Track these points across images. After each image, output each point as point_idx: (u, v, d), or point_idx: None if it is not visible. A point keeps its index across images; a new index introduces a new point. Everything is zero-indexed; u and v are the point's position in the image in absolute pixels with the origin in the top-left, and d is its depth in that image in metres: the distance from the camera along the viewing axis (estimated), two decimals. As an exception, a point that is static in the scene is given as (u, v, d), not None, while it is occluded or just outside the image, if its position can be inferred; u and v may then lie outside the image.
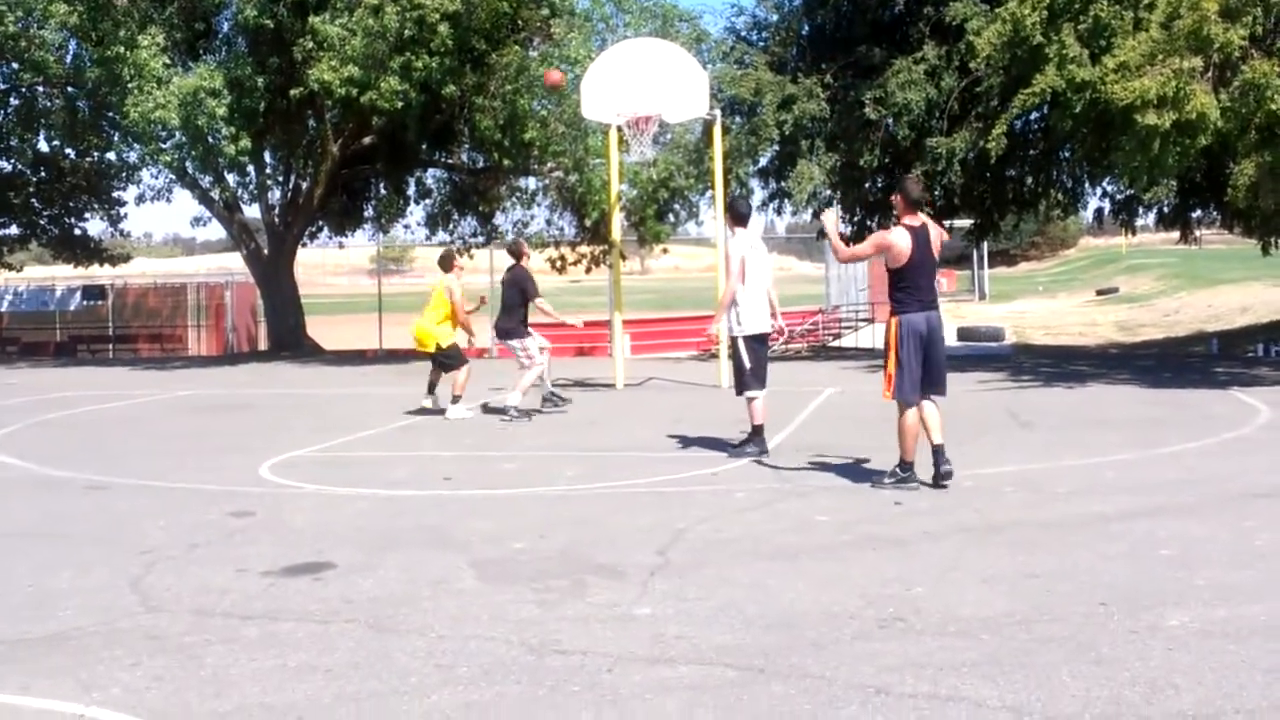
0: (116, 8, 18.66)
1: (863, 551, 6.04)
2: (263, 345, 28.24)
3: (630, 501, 7.53)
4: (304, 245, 25.94)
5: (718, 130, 15.75)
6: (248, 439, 10.91)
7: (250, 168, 21.87)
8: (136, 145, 21.68)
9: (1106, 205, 22.77)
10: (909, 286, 7.55)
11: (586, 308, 22.03)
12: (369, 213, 26.17)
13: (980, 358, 19.68)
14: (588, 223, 21.60)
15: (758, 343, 9.23)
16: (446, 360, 12.35)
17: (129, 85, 18.45)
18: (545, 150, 20.18)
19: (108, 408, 14.14)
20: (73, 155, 26.37)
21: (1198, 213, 22.93)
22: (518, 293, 12.27)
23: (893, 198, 7.87)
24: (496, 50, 18.88)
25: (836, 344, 31.64)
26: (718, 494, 7.66)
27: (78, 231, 28.38)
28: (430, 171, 24.85)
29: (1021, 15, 14.93)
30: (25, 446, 10.62)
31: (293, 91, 18.84)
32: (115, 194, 27.57)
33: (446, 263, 12.62)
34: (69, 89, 23.46)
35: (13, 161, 26.29)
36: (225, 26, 21.38)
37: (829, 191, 21.38)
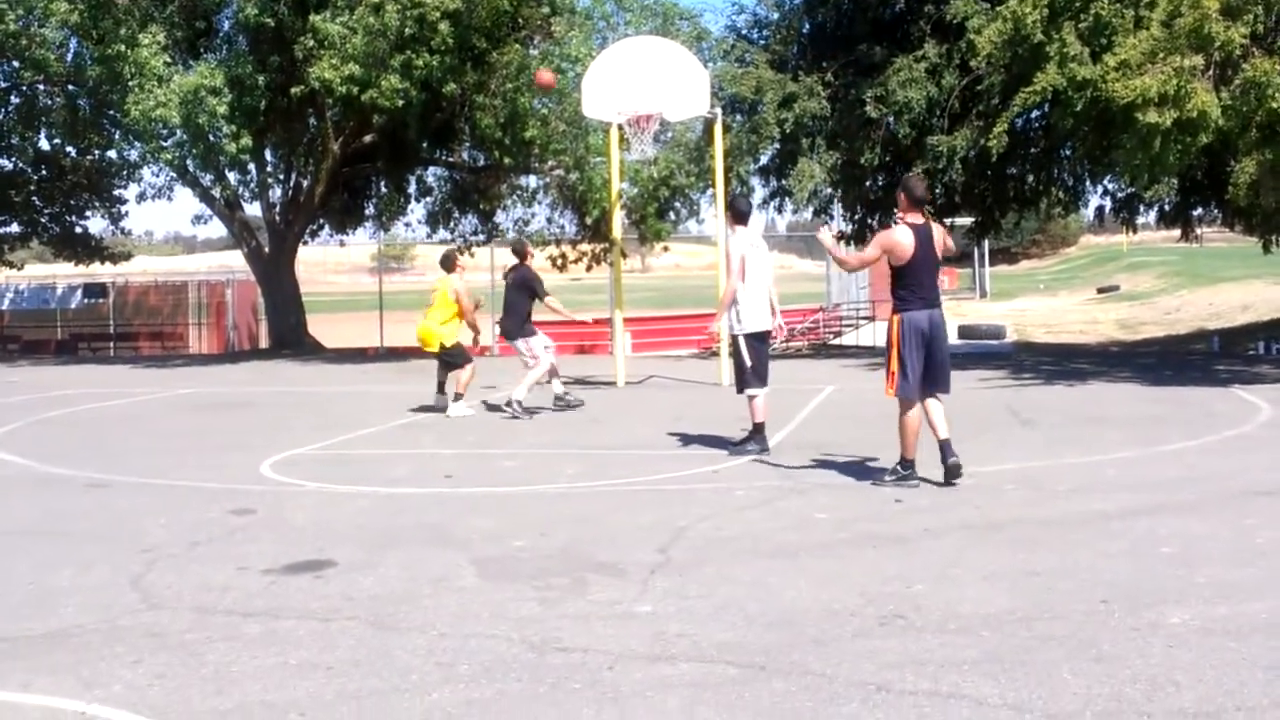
0: (117, 6, 18.66)
1: (863, 549, 6.04)
2: (264, 343, 28.25)
3: (631, 499, 7.53)
4: (305, 243, 25.94)
5: (718, 128, 15.74)
6: (249, 437, 10.91)
7: (251, 166, 21.86)
8: (137, 143, 21.69)
9: (1107, 203, 22.78)
10: (911, 284, 7.55)
11: (587, 306, 22.01)
12: (370, 211, 26.16)
13: (981, 355, 19.68)
14: (588, 221, 21.59)
15: (758, 341, 9.24)
16: (451, 359, 12.38)
17: (130, 83, 18.45)
18: (546, 148, 20.19)
19: (109, 405, 14.15)
20: (74, 153, 26.38)
21: (1199, 211, 22.91)
22: (524, 293, 12.31)
23: (897, 194, 7.88)
24: (497, 48, 18.88)
25: (837, 342, 31.64)
26: (718, 492, 7.66)
27: (79, 229, 28.42)
28: (431, 169, 24.84)
29: (1022, 13, 14.92)
30: (26, 444, 10.62)
31: (293, 90, 18.84)
32: (116, 192, 27.60)
33: (449, 263, 12.63)
34: (70, 87, 23.47)
35: (14, 159, 26.30)
36: (226, 25, 21.37)
37: (830, 190, 21.38)
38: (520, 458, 9.44)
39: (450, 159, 23.70)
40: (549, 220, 23.61)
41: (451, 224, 24.90)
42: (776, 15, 22.13)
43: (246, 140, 18.85)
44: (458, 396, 12.18)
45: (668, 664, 4.31)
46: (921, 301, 7.55)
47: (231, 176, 22.23)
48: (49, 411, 13.43)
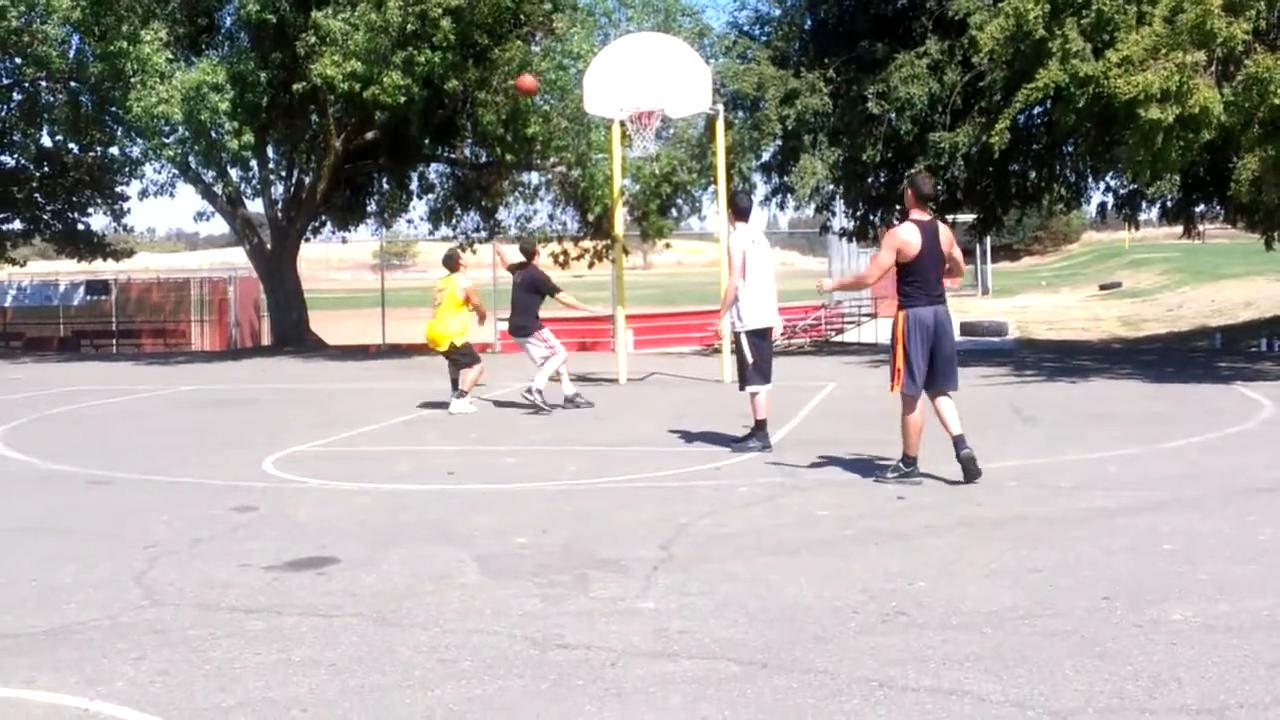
0: (119, 2, 18.63)
1: (865, 546, 6.04)
2: (266, 340, 28.26)
3: (633, 496, 7.53)
4: (307, 240, 25.93)
5: (720, 125, 15.73)
6: (251, 434, 10.92)
7: (253, 162, 21.86)
8: (139, 140, 21.67)
9: (1109, 200, 22.76)
10: (916, 281, 7.55)
11: (590, 303, 22.00)
12: (372, 208, 26.16)
13: (983, 352, 19.68)
14: (590, 218, 21.57)
15: (759, 338, 9.24)
16: (461, 358, 12.42)
17: (132, 80, 18.45)
18: (548, 145, 20.18)
19: (111, 403, 14.16)
20: (76, 150, 26.38)
21: (1201, 207, 22.90)
22: (534, 292, 12.37)
23: (904, 191, 7.88)
24: (499, 45, 18.87)
25: (839, 339, 31.64)
26: (720, 489, 7.67)
27: (81, 226, 28.43)
28: (433, 166, 24.84)
29: (1024, 9, 14.89)
30: (29, 441, 10.64)
31: (295, 86, 18.84)
32: (118, 189, 27.60)
33: (453, 262, 12.64)
34: (72, 84, 23.45)
35: (16, 156, 26.32)
36: (228, 21, 21.36)
37: (831, 186, 21.38)
38: (522, 455, 9.45)
39: (452, 156, 23.70)
40: (551, 217, 23.61)
41: (453, 221, 24.91)
42: (778, 11, 22.12)
43: (248, 137, 18.84)
44: (462, 394, 12.20)
45: (670, 661, 4.32)
46: (927, 298, 7.55)
47: (233, 173, 22.26)
48: (51, 408, 13.44)
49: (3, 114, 25.49)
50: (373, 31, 17.64)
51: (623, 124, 15.04)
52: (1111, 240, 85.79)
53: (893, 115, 19.37)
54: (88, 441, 10.77)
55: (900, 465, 7.68)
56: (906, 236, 7.53)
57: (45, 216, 27.86)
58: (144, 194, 25.90)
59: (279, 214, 23.86)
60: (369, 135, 21.75)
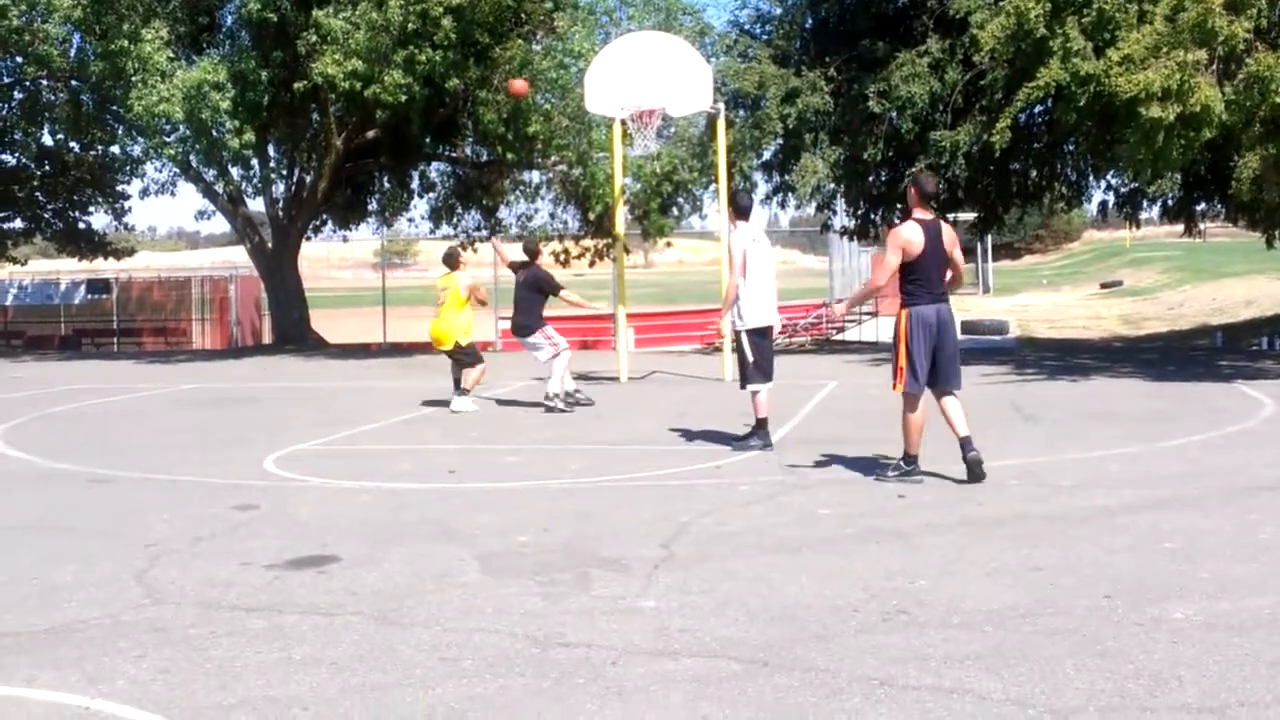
0: (120, 1, 18.65)
1: (866, 545, 6.04)
2: (267, 339, 28.26)
3: (634, 495, 7.53)
4: (308, 239, 25.93)
5: (721, 124, 15.73)
6: (252, 432, 10.92)
7: (254, 161, 21.87)
8: (140, 139, 21.68)
9: (1111, 198, 22.74)
10: (919, 279, 7.54)
11: (590, 300, 21.99)
12: (373, 206, 26.16)
13: (984, 351, 19.67)
14: (591, 216, 21.58)
15: (760, 336, 9.24)
16: (465, 357, 12.44)
17: (133, 79, 18.45)
18: (549, 144, 20.19)
19: (112, 401, 14.17)
20: (77, 149, 26.37)
21: (1202, 206, 22.85)
22: (537, 291, 12.38)
23: (908, 190, 7.88)
24: (500, 44, 18.87)
25: (840, 337, 31.62)
26: (721, 487, 7.67)
27: (82, 225, 28.44)
28: (434, 165, 24.84)
29: (1025, 8, 14.88)
30: (30, 440, 10.64)
31: (296, 85, 18.84)
32: (119, 187, 27.60)
33: (454, 261, 12.65)
34: (73, 83, 23.45)
35: (17, 155, 26.31)
36: (229, 20, 21.38)
37: (832, 185, 21.35)
38: (523, 453, 9.45)
39: (453, 154, 23.70)
40: (552, 216, 23.62)
41: (454, 220, 24.91)
42: (779, 10, 22.10)
43: (249, 135, 18.85)
44: (463, 392, 12.21)
45: (671, 659, 4.32)
46: (929, 296, 7.55)
47: (234, 172, 22.26)
48: (53, 407, 13.45)
49: (4, 113, 25.49)
50: (374, 30, 17.64)
51: (624, 122, 15.04)
52: (1112, 239, 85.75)
53: (894, 114, 19.35)
54: (89, 440, 10.78)
55: (901, 464, 7.69)
56: (909, 235, 7.53)
57: (46, 215, 27.87)
58: (145, 193, 25.93)
59: (280, 213, 23.87)
60: (370, 134, 21.76)
